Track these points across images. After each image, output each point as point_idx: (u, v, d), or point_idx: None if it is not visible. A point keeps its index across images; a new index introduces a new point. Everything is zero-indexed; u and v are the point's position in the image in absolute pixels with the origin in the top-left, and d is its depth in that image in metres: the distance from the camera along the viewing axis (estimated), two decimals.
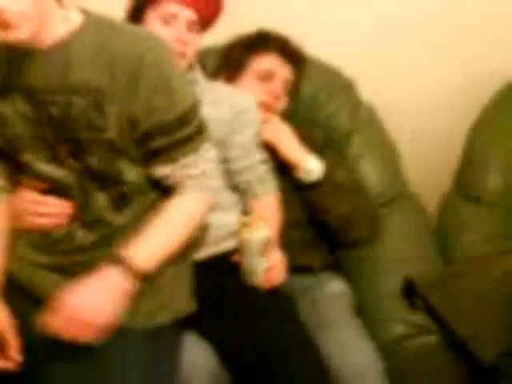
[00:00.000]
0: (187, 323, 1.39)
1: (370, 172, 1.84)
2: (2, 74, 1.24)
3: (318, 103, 1.86)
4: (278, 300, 1.47)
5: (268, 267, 1.47)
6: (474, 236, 1.78)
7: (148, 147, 1.28)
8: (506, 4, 2.02)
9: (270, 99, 1.66)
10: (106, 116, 1.24)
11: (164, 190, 1.34)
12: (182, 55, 1.51)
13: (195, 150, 1.30)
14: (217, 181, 1.38)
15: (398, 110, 1.98)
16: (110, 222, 1.32)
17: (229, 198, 1.57)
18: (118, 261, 1.24)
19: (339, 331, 1.51)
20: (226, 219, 1.53)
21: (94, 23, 1.25)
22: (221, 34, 1.69)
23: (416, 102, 2.05)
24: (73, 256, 1.32)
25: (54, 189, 1.31)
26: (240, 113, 1.57)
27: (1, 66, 1.24)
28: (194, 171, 1.31)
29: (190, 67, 1.57)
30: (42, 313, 1.21)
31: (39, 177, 1.31)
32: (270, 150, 1.63)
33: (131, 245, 1.27)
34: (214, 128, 1.40)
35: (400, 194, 1.86)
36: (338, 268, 1.71)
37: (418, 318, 1.56)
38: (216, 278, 1.47)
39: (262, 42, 1.69)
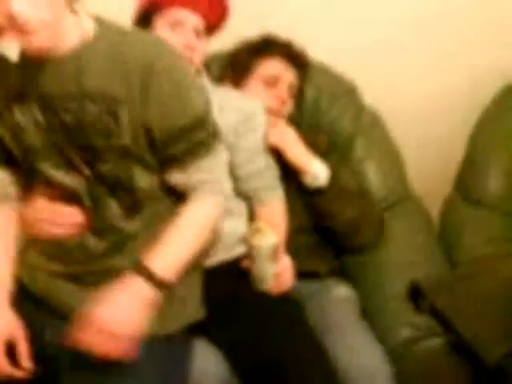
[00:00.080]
0: (196, 329, 1.39)
1: (373, 176, 1.85)
2: (17, 83, 1.25)
3: (322, 108, 1.86)
4: (288, 305, 1.47)
5: (277, 273, 1.47)
6: (477, 238, 1.78)
7: (164, 154, 1.29)
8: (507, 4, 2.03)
9: (277, 104, 1.67)
10: (119, 123, 1.24)
11: (176, 196, 1.34)
12: (190, 61, 1.51)
13: (210, 153, 1.31)
14: (229, 185, 1.39)
15: (401, 115, 1.98)
16: (122, 229, 1.32)
17: (237, 203, 1.57)
18: (140, 270, 1.24)
19: (347, 334, 1.51)
20: (235, 225, 1.53)
21: (105, 30, 1.25)
22: (226, 39, 1.70)
23: (418, 108, 2.06)
24: (86, 265, 1.33)
25: (67, 196, 1.31)
26: (247, 118, 1.57)
27: (16, 75, 1.24)
28: (210, 176, 1.32)
29: (197, 73, 1.58)
30: (70, 327, 1.20)
31: (52, 184, 1.31)
32: (276, 154, 1.64)
33: (152, 253, 1.26)
34: (222, 133, 1.40)
35: (403, 198, 1.86)
36: (343, 273, 1.71)
37: (424, 320, 1.56)
38: (226, 284, 1.47)
39: (266, 46, 1.71)
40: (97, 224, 1.32)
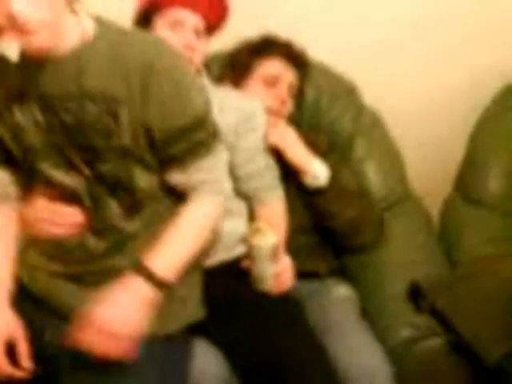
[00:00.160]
0: (196, 329, 1.39)
1: (373, 176, 1.85)
2: (17, 83, 1.25)
3: (322, 108, 1.87)
4: (288, 305, 1.48)
5: (277, 273, 1.47)
6: (477, 238, 1.79)
7: (165, 154, 1.29)
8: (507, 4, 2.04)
9: (277, 104, 1.68)
10: (119, 123, 1.25)
11: (176, 196, 1.34)
12: (190, 61, 1.51)
13: (210, 153, 1.32)
14: (229, 185, 1.39)
15: (401, 115, 1.99)
16: (122, 229, 1.32)
17: (237, 203, 1.57)
18: (140, 270, 1.24)
19: (347, 334, 1.52)
20: (235, 225, 1.54)
21: (105, 31, 1.25)
22: (226, 39, 1.70)
23: (418, 108, 2.06)
24: (86, 265, 1.33)
25: (67, 196, 1.32)
26: (247, 118, 1.58)
27: (16, 75, 1.24)
28: (210, 176, 1.33)
29: (197, 73, 1.58)
30: (70, 328, 1.20)
31: (52, 184, 1.31)
32: (276, 154, 1.64)
33: (152, 253, 1.27)
34: (222, 133, 1.40)
35: (403, 198, 1.87)
36: (343, 273, 1.72)
37: (424, 320, 1.56)
38: (226, 284, 1.48)
39: (266, 46, 1.71)
40: (97, 224, 1.32)
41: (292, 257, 1.53)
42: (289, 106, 1.72)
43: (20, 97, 1.25)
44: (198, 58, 1.56)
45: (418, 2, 2.02)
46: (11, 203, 1.37)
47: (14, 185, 1.36)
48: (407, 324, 1.57)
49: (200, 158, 1.30)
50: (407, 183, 1.90)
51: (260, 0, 1.92)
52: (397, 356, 1.51)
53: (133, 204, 1.31)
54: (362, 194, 1.76)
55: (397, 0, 2.02)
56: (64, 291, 1.32)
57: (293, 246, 1.55)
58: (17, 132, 1.28)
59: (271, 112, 1.64)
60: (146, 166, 1.30)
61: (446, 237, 1.83)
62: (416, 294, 1.59)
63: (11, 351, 1.28)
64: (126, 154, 1.27)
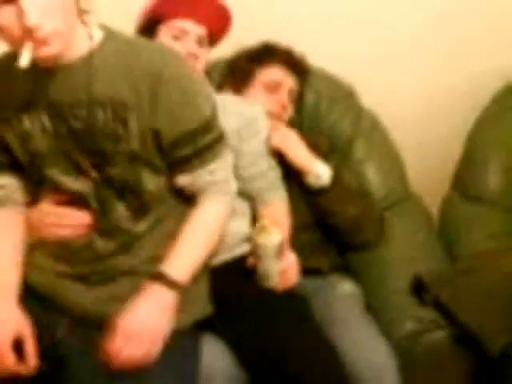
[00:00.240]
0: (204, 325, 1.41)
1: (373, 177, 1.86)
2: (26, 90, 1.27)
3: (321, 112, 1.88)
4: (294, 301, 1.48)
5: (283, 270, 1.48)
6: (478, 234, 1.79)
7: (173, 157, 1.32)
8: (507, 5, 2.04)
9: (278, 109, 1.70)
10: (128, 128, 1.27)
11: (183, 198, 1.37)
12: (193, 69, 1.54)
13: (217, 156, 1.35)
14: (235, 185, 1.42)
15: (400, 116, 2.00)
16: (129, 231, 1.34)
17: (240, 203, 1.59)
18: (161, 279, 1.28)
19: (353, 329, 1.52)
20: (238, 225, 1.56)
21: (113, 40, 1.28)
22: (226, 48, 1.72)
23: (418, 109, 2.06)
24: (93, 265, 1.35)
25: (74, 200, 1.33)
26: (249, 122, 1.60)
27: (25, 83, 1.27)
28: (219, 177, 1.36)
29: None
30: (102, 341, 1.23)
31: (60, 189, 1.33)
32: (278, 156, 1.66)
33: (169, 261, 1.30)
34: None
35: (403, 198, 1.88)
36: (347, 270, 1.72)
37: (428, 313, 1.57)
38: (231, 282, 1.49)
39: (267, 53, 1.73)
40: (104, 226, 1.34)
41: (296, 254, 1.53)
42: (289, 111, 1.75)
43: (29, 105, 1.27)
44: (200, 66, 1.59)
45: (418, 5, 2.03)
46: (18, 208, 1.39)
47: (21, 190, 1.38)
48: (411, 317, 1.57)
49: (208, 160, 1.34)
50: (407, 183, 1.90)
51: (260, 8, 1.94)
52: (402, 349, 1.51)
53: (140, 206, 1.34)
54: (362, 193, 1.78)
55: (396, 3, 2.03)
56: (71, 291, 1.34)
57: (296, 244, 1.55)
58: (24, 138, 1.30)
59: (272, 116, 1.67)
60: (154, 169, 1.32)
61: (445, 234, 1.83)
62: (419, 288, 1.59)
63: (19, 348, 1.29)
64: (134, 158, 1.29)
